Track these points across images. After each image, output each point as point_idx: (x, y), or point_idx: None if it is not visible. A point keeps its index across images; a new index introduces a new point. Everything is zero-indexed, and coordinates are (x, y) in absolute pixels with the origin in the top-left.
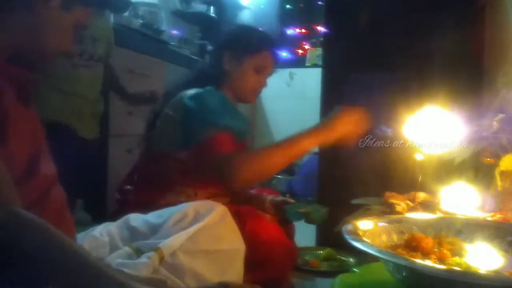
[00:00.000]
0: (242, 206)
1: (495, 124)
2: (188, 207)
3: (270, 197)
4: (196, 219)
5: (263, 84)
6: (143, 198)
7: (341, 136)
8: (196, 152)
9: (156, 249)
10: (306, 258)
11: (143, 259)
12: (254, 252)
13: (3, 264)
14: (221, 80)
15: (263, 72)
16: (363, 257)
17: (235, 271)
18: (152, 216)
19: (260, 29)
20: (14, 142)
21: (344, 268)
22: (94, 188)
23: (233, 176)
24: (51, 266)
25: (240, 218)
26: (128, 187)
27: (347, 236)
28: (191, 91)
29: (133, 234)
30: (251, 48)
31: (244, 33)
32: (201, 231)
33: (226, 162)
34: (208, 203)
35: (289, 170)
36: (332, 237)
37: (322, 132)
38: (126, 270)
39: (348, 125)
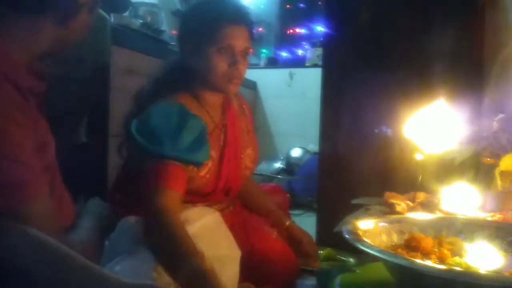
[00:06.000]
0: (248, 217)
1: (495, 124)
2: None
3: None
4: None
5: (235, 66)
6: (135, 206)
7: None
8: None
9: None
10: None
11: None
12: (260, 269)
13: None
14: (191, 76)
15: (228, 52)
16: (363, 257)
17: (231, 276)
18: None
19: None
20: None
21: (344, 268)
22: (94, 187)
23: (151, 211)
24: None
25: (245, 232)
26: (119, 194)
27: (347, 236)
28: (155, 106)
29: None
30: (202, 33)
31: (190, 21)
32: (194, 238)
33: (152, 199)
34: (202, 209)
35: (289, 170)
36: (332, 237)
37: None
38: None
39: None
